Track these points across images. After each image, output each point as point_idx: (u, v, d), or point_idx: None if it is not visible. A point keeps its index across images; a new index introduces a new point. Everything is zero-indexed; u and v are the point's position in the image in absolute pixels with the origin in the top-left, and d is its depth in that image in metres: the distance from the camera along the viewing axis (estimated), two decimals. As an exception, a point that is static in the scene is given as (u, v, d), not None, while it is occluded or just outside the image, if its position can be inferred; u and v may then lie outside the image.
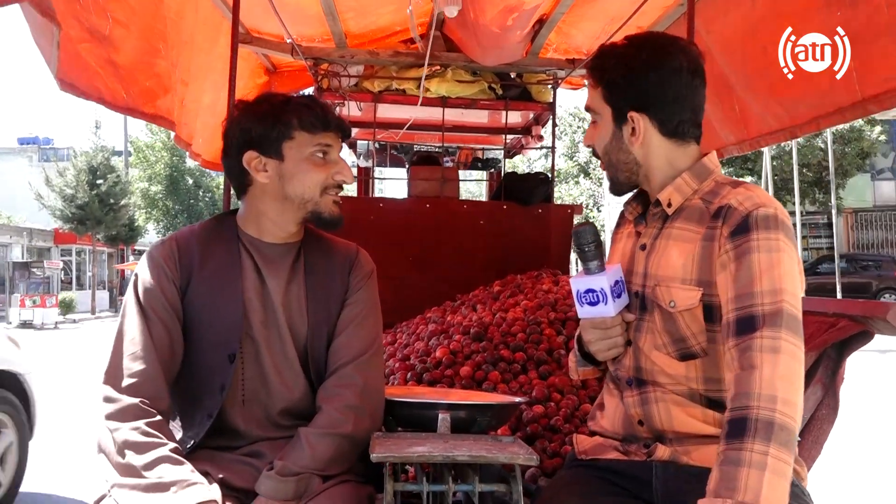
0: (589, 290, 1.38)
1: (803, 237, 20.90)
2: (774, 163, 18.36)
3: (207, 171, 30.71)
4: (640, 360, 1.41)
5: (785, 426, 1.10)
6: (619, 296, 1.39)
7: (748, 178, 18.07)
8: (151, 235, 32.36)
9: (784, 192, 20.08)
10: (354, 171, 5.32)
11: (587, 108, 1.48)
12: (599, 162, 1.49)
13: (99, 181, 24.70)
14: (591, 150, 1.51)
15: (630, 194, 1.54)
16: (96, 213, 24.48)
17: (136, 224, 28.93)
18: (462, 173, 5.20)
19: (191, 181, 30.92)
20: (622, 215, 1.60)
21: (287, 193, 1.51)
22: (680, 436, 1.37)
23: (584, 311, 1.41)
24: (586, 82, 1.50)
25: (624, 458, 1.42)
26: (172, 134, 3.25)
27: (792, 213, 20.38)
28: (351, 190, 5.61)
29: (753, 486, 1.05)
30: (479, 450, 1.27)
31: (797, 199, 12.23)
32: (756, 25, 2.45)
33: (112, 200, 25.23)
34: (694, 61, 1.41)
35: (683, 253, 1.36)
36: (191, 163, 30.72)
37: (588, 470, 1.43)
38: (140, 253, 35.51)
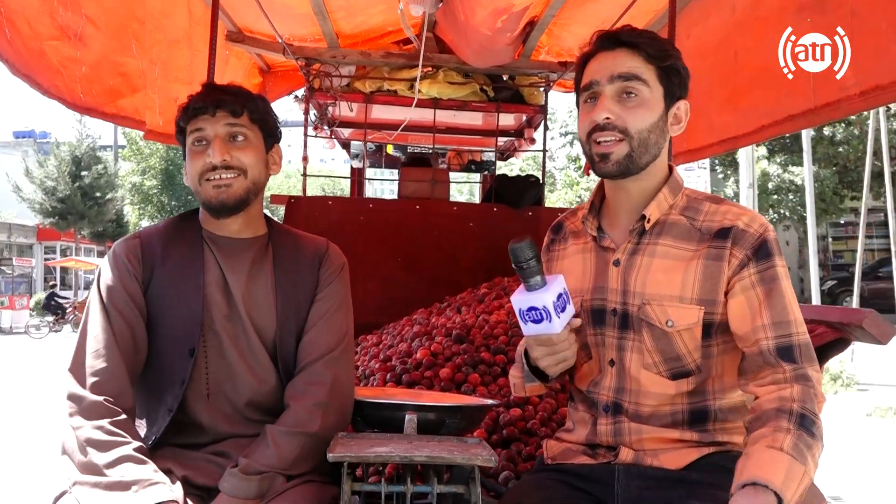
0: (532, 308, 1.29)
1: (853, 238, 19.14)
2: (840, 149, 16.48)
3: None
4: (623, 380, 1.39)
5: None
6: (563, 310, 1.30)
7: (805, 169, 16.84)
8: None
9: (843, 185, 17.28)
10: (348, 172, 5.35)
11: (627, 76, 1.34)
12: (604, 141, 1.35)
13: (83, 173, 22.77)
14: (602, 125, 1.35)
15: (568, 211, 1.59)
16: (78, 206, 22.42)
17: (125, 220, 26.84)
18: (452, 175, 5.21)
19: None
20: (560, 229, 1.58)
21: (191, 188, 1.54)
22: (651, 449, 1.37)
23: (528, 329, 1.32)
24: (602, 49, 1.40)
25: (591, 461, 1.41)
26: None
27: (853, 210, 17.73)
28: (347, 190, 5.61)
29: (813, 471, 1.17)
30: (440, 451, 1.26)
31: (865, 192, 11.02)
32: (734, 29, 2.46)
33: (98, 194, 23.30)
34: None
35: (677, 271, 1.34)
36: (188, 155, 29.95)
37: (553, 474, 1.42)
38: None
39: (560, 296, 1.29)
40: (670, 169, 1.44)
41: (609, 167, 1.36)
